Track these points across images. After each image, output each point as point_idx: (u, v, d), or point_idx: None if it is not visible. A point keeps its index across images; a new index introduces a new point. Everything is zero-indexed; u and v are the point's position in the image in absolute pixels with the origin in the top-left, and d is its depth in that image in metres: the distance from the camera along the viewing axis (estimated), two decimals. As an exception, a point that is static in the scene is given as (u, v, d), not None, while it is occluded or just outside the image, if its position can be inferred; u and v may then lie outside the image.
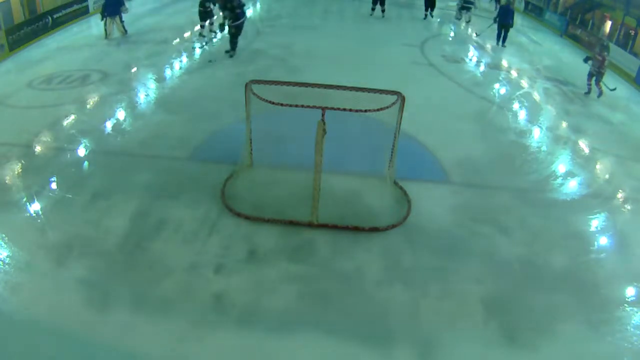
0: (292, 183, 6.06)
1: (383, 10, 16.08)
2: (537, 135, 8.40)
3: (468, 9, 16.08)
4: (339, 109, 5.21)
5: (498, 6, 16.81)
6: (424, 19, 16.38)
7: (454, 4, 17.22)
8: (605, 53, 10.21)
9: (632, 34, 13.85)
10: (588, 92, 10.43)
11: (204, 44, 12.08)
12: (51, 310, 4.24)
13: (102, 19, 12.27)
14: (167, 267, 4.82)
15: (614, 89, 10.22)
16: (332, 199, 5.64)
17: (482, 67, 12.14)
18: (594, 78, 10.26)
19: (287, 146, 6.71)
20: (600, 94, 10.30)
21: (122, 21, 12.46)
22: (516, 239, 5.59)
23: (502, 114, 9.08)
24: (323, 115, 5.07)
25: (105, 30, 12.26)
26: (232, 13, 10.43)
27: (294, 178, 6.09)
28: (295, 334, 4.20)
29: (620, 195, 6.77)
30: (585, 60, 10.35)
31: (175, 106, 8.40)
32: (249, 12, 16.55)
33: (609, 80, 10.42)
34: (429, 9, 16.35)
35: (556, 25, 17.12)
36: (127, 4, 12.74)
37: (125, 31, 12.57)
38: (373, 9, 16.17)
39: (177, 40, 12.57)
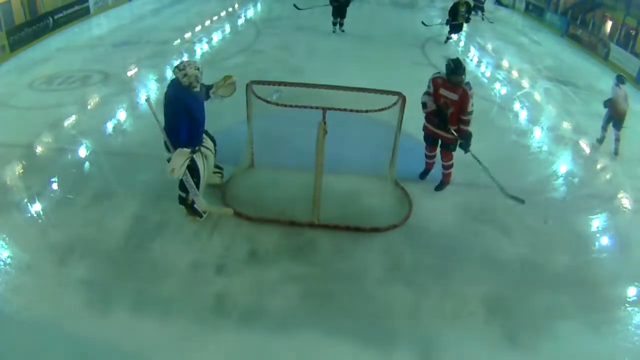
0: (293, 183, 6.06)
1: (342, 25, 13.64)
2: (538, 136, 8.40)
3: (481, 8, 14.90)
4: (340, 109, 5.21)
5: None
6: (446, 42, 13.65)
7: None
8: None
9: (633, 34, 13.84)
10: None
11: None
12: (53, 311, 4.25)
13: (183, 191, 5.05)
14: (168, 268, 4.82)
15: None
16: (333, 199, 5.64)
17: (483, 67, 12.14)
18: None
19: (288, 147, 6.70)
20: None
21: (215, 159, 5.43)
22: (517, 239, 5.59)
23: (503, 114, 9.08)
24: (324, 115, 5.08)
25: (186, 205, 5.18)
26: None
27: (295, 178, 6.09)
28: (296, 333, 4.21)
29: (620, 195, 6.77)
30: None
31: (176, 107, 8.38)
32: (250, 12, 16.58)
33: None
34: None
35: (557, 26, 17.12)
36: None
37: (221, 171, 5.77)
38: (334, 24, 13.68)
39: (178, 40, 12.59)
